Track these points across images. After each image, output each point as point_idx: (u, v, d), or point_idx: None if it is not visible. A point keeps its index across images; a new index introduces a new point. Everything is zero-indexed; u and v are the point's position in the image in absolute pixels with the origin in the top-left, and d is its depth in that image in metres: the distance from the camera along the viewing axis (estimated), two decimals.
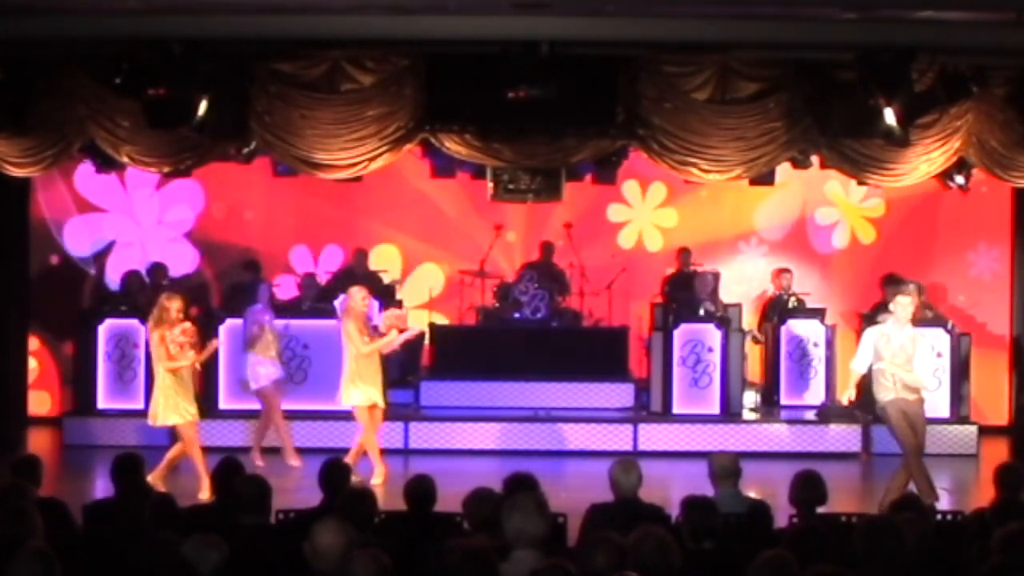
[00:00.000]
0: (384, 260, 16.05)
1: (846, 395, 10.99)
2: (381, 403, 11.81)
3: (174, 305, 11.11)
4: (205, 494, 10.40)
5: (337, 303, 12.73)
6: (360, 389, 11.61)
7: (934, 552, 6.39)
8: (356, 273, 14.97)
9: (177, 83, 11.03)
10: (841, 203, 16.00)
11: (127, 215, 15.80)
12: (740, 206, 16.01)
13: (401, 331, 11.98)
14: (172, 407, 11.02)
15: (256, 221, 16.02)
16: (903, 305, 10.66)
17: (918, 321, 13.77)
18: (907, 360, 10.58)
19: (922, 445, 10.81)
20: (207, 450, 11.52)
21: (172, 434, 11.35)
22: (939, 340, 13.72)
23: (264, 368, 12.56)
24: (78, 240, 15.62)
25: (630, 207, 16.22)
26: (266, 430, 12.69)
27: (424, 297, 15.94)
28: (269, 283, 13.50)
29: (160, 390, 11.07)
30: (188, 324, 11.16)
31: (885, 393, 10.62)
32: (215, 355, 12.46)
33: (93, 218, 15.66)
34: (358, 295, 11.85)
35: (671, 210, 16.23)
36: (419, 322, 15.39)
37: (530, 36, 11.08)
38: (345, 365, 11.67)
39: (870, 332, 10.86)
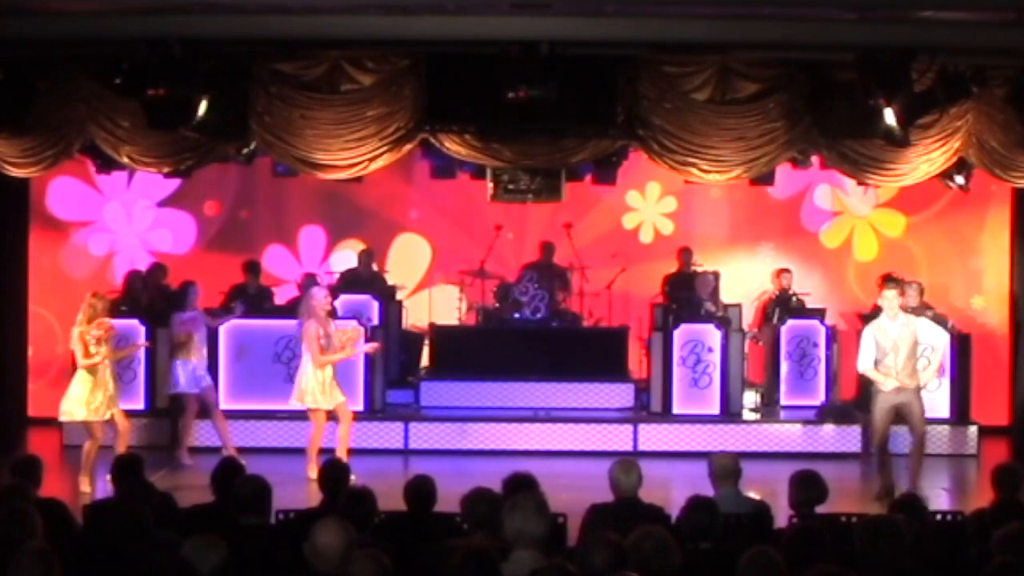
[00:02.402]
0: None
1: (890, 383, 11.21)
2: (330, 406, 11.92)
3: (100, 304, 11.33)
4: (86, 488, 11.04)
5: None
6: (326, 394, 11.68)
7: (934, 552, 6.39)
8: (361, 274, 14.95)
9: (177, 83, 11.03)
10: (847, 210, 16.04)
11: (124, 207, 15.82)
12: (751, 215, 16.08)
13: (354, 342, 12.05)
14: (83, 402, 11.22)
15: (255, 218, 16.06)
16: (888, 299, 11.29)
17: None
18: (909, 349, 11.12)
19: (921, 434, 11.31)
20: (207, 450, 11.54)
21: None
22: (939, 340, 13.72)
23: (185, 372, 12.58)
24: (63, 200, 15.55)
25: (643, 200, 16.28)
26: (191, 429, 12.80)
27: (424, 301, 15.94)
28: (197, 286, 13.19)
29: (75, 386, 11.26)
30: (106, 320, 11.29)
31: (887, 383, 11.13)
32: (204, 355, 12.65)
33: (88, 192, 15.63)
34: (319, 295, 11.90)
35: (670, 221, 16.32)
36: (420, 323, 15.46)
37: (530, 36, 11.08)
38: (307, 366, 11.69)
39: (867, 330, 11.38)
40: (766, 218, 16.13)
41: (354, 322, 12.76)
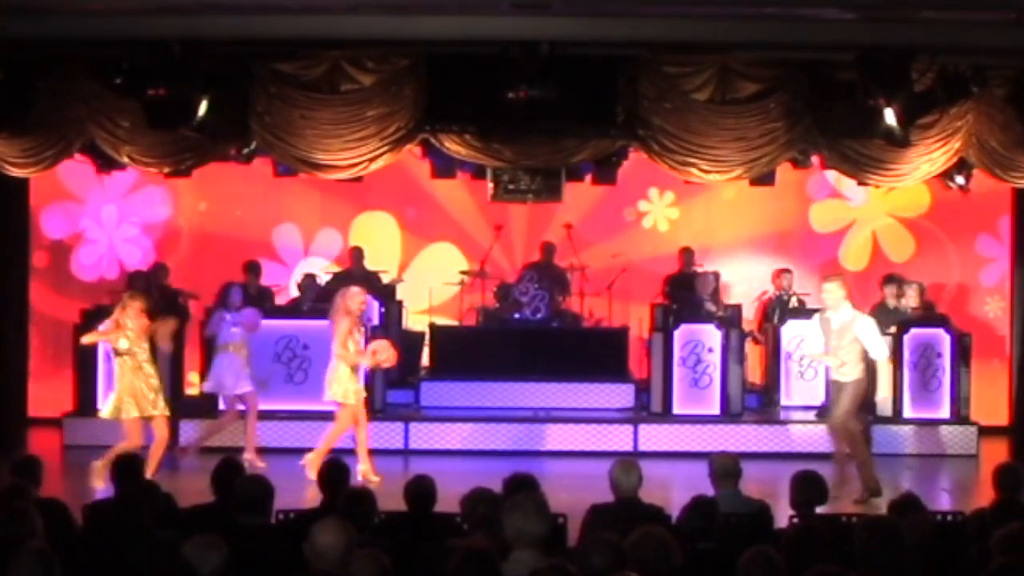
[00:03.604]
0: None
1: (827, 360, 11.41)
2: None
3: (135, 304, 11.22)
4: (100, 483, 10.80)
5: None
6: (354, 386, 11.67)
7: (934, 552, 6.39)
8: (354, 273, 14.95)
9: (177, 83, 11.03)
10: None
11: (118, 213, 15.92)
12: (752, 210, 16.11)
13: (381, 363, 12.04)
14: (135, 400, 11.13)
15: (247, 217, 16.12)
16: (828, 291, 11.24)
17: (918, 320, 13.89)
18: (848, 342, 11.05)
19: (835, 427, 11.31)
20: (209, 450, 11.51)
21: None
22: (939, 340, 13.77)
23: (230, 376, 12.57)
24: (74, 173, 15.46)
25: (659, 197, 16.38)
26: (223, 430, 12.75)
27: (424, 298, 15.93)
28: (240, 285, 13.22)
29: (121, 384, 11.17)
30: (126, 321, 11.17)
31: (850, 373, 11.10)
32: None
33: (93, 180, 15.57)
34: (357, 298, 11.81)
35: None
36: (420, 323, 15.46)
37: (530, 36, 11.08)
38: (337, 361, 11.67)
39: (815, 318, 11.50)
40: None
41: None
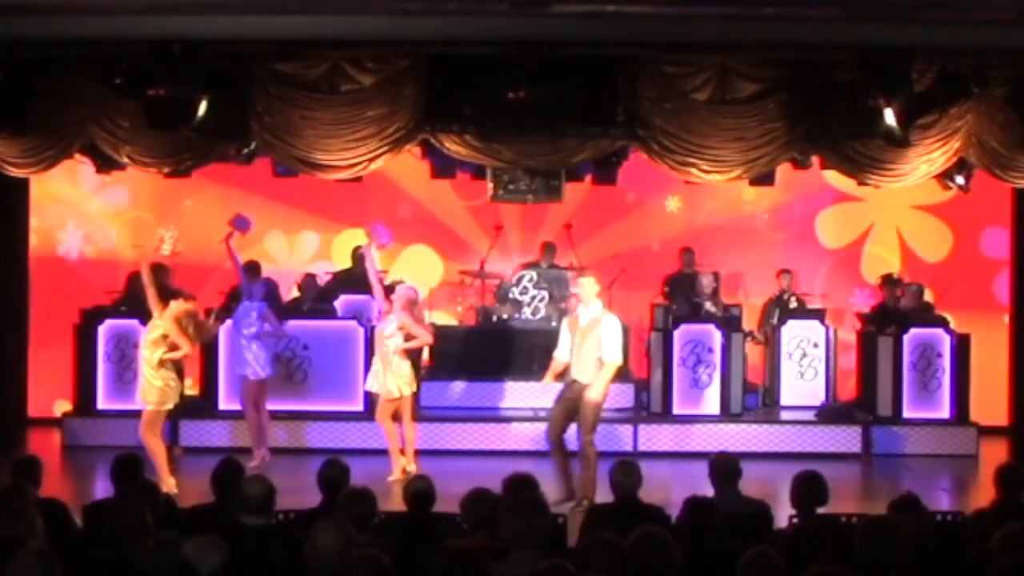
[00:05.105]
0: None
1: (546, 382, 11.17)
2: None
3: (185, 312, 11.29)
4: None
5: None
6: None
7: (934, 552, 6.39)
8: (355, 274, 14.94)
9: (177, 83, 11.03)
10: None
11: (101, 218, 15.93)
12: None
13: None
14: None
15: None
16: (583, 286, 10.95)
17: (918, 321, 13.89)
18: (588, 344, 10.66)
19: (585, 442, 10.72)
20: (207, 450, 11.54)
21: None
22: (939, 340, 13.77)
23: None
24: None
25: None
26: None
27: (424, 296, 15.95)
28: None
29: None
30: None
31: (591, 375, 10.65)
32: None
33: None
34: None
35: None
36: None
37: (530, 36, 11.08)
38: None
39: (564, 321, 11.21)
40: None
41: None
